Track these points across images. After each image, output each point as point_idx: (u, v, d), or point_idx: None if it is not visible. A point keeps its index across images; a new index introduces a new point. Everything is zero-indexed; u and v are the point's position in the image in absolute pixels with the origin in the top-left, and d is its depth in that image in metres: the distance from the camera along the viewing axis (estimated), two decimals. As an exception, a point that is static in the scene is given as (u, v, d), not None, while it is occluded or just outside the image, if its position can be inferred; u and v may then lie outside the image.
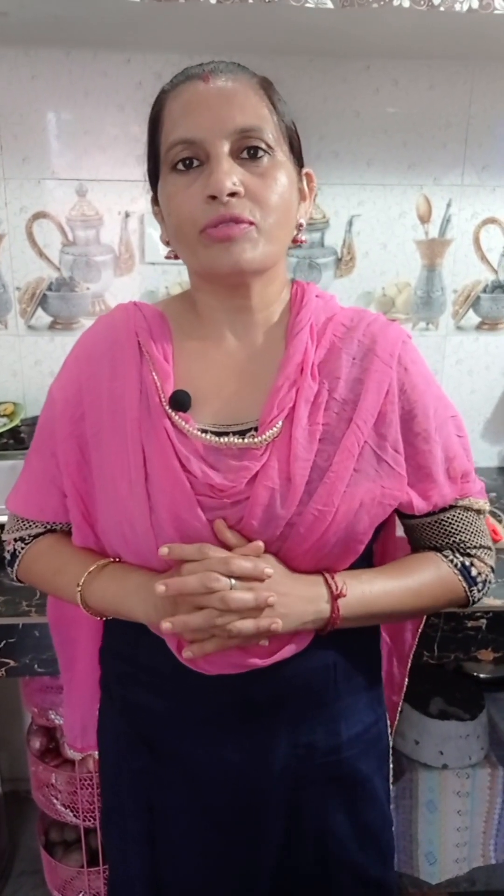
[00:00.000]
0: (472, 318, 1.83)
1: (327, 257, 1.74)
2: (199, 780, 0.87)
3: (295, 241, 0.85)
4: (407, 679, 1.08)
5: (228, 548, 0.77)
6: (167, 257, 0.87)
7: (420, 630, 1.06)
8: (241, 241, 0.76)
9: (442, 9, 1.24)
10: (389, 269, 1.77)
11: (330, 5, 1.22)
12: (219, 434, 0.80)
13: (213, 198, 0.74)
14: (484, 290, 1.81)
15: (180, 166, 0.77)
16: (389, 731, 1.00)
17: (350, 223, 1.72)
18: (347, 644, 0.86)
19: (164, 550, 0.76)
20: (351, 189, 1.69)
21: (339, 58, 1.59)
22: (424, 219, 1.73)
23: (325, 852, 0.91)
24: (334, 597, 0.79)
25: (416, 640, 1.06)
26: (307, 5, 1.21)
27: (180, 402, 0.81)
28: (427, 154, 1.68)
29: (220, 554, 0.76)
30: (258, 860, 0.90)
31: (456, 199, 1.72)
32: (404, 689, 1.09)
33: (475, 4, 1.24)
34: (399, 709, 1.11)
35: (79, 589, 0.84)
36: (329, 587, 0.79)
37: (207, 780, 0.86)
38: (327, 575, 0.80)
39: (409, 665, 1.08)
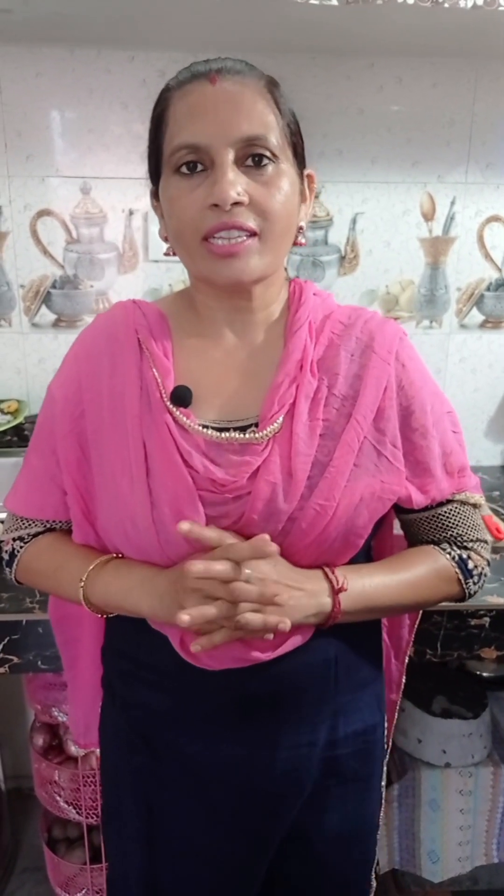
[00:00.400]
0: (476, 316, 1.83)
1: (331, 255, 1.74)
2: (200, 778, 0.87)
3: (295, 243, 0.85)
4: (405, 677, 1.08)
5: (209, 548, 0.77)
6: (166, 254, 0.86)
7: (416, 626, 1.06)
8: (243, 257, 0.76)
9: (446, 6, 1.23)
10: (393, 267, 1.76)
11: (334, 2, 1.21)
12: (219, 430, 0.80)
13: (217, 206, 0.74)
14: (488, 289, 1.81)
15: (184, 169, 0.76)
16: (387, 733, 1.00)
17: (354, 221, 1.71)
18: (348, 639, 0.86)
19: (184, 527, 0.74)
20: (355, 187, 1.69)
21: (342, 55, 1.58)
22: (428, 216, 1.73)
23: (310, 851, 0.91)
24: (335, 591, 0.79)
25: (413, 636, 1.06)
26: (311, 2, 1.20)
27: (181, 397, 0.81)
28: (431, 152, 1.68)
29: (237, 541, 0.76)
30: (257, 858, 0.90)
31: (460, 197, 1.72)
32: (402, 686, 1.09)
33: (480, 1, 1.23)
34: (397, 707, 1.11)
35: (82, 585, 0.83)
36: (330, 581, 0.79)
37: (208, 778, 0.87)
38: (327, 569, 0.80)
39: (407, 662, 1.08)
